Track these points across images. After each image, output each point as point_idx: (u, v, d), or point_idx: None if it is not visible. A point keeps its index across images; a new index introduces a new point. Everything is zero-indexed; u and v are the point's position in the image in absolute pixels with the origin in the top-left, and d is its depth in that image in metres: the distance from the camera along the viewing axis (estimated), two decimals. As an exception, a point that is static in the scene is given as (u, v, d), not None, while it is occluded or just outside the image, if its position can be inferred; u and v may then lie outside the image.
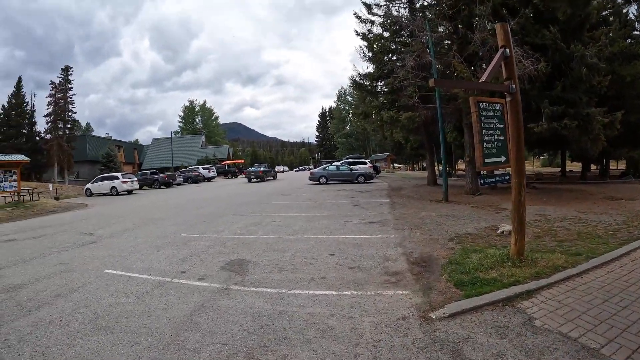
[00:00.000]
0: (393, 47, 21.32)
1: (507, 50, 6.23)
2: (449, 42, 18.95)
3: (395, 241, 8.77)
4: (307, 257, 7.72)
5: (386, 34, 21.49)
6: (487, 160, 6.01)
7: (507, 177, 6.60)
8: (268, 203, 18.11)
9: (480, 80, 6.02)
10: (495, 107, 6.32)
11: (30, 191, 24.92)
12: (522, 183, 6.35)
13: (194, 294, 5.94)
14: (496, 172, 6.62)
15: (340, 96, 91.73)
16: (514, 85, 6.24)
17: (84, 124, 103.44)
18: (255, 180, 38.92)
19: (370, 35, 21.83)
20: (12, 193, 23.05)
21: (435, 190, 20.66)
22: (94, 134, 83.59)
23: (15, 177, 23.18)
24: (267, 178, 40.21)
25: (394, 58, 20.47)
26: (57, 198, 29.20)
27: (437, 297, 5.29)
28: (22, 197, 23.68)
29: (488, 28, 15.55)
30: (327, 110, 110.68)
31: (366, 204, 15.96)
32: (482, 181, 6.56)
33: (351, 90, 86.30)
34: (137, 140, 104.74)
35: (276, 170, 54.20)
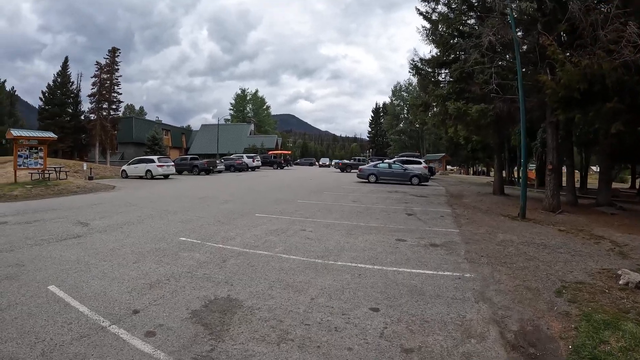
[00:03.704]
0: (460, 28, 17.97)
1: None
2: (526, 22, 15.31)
3: (474, 288, 5.71)
4: (334, 310, 4.80)
5: (452, 15, 18.16)
6: None
7: None
8: (305, 202, 15.36)
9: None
10: None
11: (58, 169, 23.62)
12: None
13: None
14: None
15: (396, 92, 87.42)
16: None
17: (137, 108, 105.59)
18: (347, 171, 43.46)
19: (434, 16, 18.62)
20: (38, 170, 21.80)
21: (504, 202, 17.21)
22: (147, 117, 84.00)
23: (41, 154, 21.92)
24: (352, 170, 41.83)
25: (461, 42, 17.00)
26: (90, 178, 28.13)
27: None
28: (48, 175, 22.36)
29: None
30: (381, 106, 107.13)
31: (423, 214, 12.84)
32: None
33: (407, 85, 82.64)
34: (189, 126, 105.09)
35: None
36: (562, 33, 12.96)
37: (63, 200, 16.53)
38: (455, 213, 13.33)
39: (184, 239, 8.57)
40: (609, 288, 5.84)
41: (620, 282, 6.06)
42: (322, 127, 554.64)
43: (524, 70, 13.26)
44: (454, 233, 9.78)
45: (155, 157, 31.45)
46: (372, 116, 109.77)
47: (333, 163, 62.75)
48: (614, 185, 40.00)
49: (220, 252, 7.37)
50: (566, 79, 11.60)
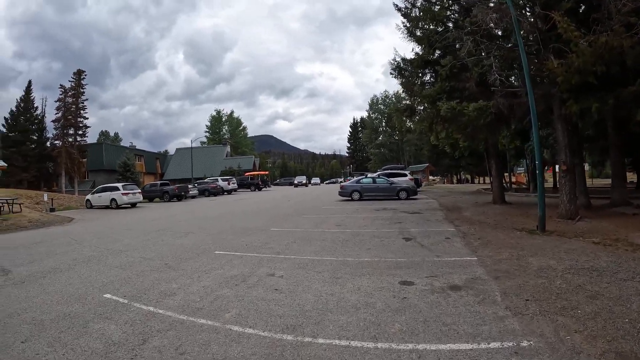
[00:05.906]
0: (445, 21, 16.12)
1: None
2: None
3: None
4: None
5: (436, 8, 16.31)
6: None
7: None
8: (279, 230, 12.94)
9: None
10: None
11: (10, 202, 21.04)
12: None
13: None
14: None
15: (373, 105, 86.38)
16: None
17: (112, 134, 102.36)
18: None
19: (414, 12, 16.81)
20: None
21: (510, 212, 15.14)
22: (123, 144, 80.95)
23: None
24: None
25: (451, 32, 14.96)
26: (52, 210, 25.79)
27: None
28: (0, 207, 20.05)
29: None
30: (359, 121, 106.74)
31: (424, 237, 10.47)
32: None
33: (384, 97, 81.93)
34: (166, 151, 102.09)
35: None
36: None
37: (5, 238, 14.38)
38: (462, 232, 11.10)
39: (109, 296, 6.21)
40: None
41: None
42: (301, 145, 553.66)
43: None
44: (472, 263, 7.43)
45: (120, 185, 29.08)
46: (350, 132, 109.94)
47: (338, 181, 61.01)
48: (602, 181, 38.49)
49: (145, 323, 4.95)
50: (581, 61, 9.71)
